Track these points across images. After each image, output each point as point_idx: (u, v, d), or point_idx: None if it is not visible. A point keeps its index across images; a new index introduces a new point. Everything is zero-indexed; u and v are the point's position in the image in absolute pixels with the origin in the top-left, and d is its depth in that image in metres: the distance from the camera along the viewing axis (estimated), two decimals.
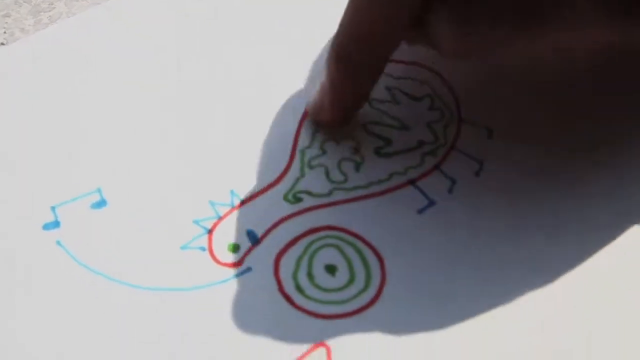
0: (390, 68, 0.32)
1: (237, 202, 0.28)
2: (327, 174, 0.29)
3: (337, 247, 0.27)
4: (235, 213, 0.28)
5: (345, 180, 0.29)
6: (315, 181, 0.29)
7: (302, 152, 0.30)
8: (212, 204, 0.28)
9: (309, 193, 0.29)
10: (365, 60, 0.28)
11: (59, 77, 0.32)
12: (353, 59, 0.27)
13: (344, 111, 0.29)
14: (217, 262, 0.27)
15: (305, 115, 0.31)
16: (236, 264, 0.27)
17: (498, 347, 0.25)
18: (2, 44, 0.33)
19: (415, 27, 0.27)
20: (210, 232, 0.27)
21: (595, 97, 0.31)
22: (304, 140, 0.30)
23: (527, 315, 0.26)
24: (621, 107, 0.31)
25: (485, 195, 0.29)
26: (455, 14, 0.25)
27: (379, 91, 0.31)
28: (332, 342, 0.25)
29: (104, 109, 0.31)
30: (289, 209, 0.28)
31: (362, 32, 0.27)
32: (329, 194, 0.29)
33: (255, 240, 0.27)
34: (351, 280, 0.27)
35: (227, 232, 0.28)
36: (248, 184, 0.29)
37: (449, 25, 0.25)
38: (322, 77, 0.29)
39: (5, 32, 0.33)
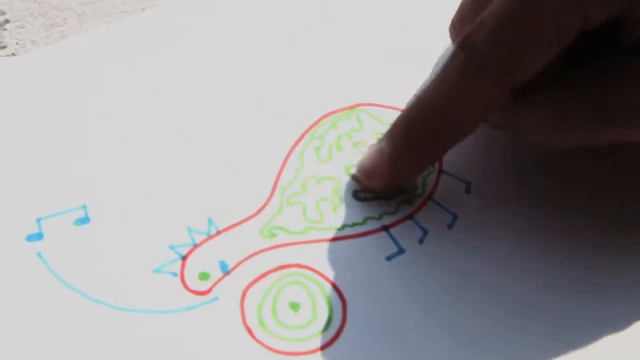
0: (380, 112, 0.33)
1: (213, 230, 0.29)
2: (304, 212, 0.30)
3: (304, 285, 0.28)
4: (210, 242, 0.29)
5: (321, 220, 0.30)
6: (292, 218, 0.30)
7: (283, 189, 0.31)
8: (190, 230, 0.29)
9: (285, 229, 0.30)
10: (437, 139, 0.28)
11: (60, 91, 0.33)
12: (424, 136, 0.28)
13: (397, 182, 0.30)
14: (187, 288, 0.28)
15: (290, 152, 0.32)
16: (204, 292, 0.28)
17: None
18: (13, 54, 0.34)
19: (501, 114, 0.28)
20: (184, 258, 0.28)
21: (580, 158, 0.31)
22: (286, 177, 0.31)
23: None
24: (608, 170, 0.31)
25: (455, 249, 0.29)
26: (550, 110, 0.26)
27: (366, 134, 0.32)
28: None
29: (98, 127, 0.32)
30: (262, 243, 0.29)
31: (444, 113, 0.27)
32: (304, 232, 0.29)
33: (225, 270, 0.28)
34: (313, 318, 0.27)
35: (200, 260, 0.29)
36: (227, 213, 0.30)
37: (541, 120, 0.26)
38: (380, 143, 0.29)
39: (17, 43, 0.35)
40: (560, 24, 0.25)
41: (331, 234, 0.29)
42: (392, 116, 0.33)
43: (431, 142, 0.28)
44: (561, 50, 0.26)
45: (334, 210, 0.30)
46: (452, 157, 0.32)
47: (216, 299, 0.28)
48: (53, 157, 0.31)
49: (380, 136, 0.32)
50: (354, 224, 0.30)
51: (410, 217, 0.30)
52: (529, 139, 0.27)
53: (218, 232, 0.29)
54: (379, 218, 0.30)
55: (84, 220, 0.29)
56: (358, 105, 0.33)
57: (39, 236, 0.29)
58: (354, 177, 0.31)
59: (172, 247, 0.29)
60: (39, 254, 0.28)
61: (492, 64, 0.26)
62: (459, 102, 0.27)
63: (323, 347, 0.27)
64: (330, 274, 0.28)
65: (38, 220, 0.29)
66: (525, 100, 0.27)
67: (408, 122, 0.28)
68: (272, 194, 0.30)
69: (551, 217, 0.30)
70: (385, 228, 0.30)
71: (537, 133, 0.27)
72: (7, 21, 0.35)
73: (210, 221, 0.29)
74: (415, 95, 0.28)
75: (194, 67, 0.34)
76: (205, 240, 0.29)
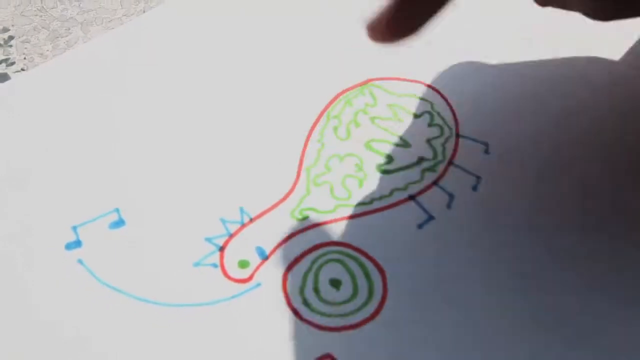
0: (392, 85, 0.33)
1: (246, 219, 0.30)
2: (331, 191, 0.30)
3: (341, 262, 0.29)
4: (245, 230, 0.29)
5: (349, 197, 0.30)
6: (320, 198, 0.30)
7: (308, 170, 0.31)
8: (223, 221, 0.30)
9: (315, 210, 0.30)
10: None
11: (77, 100, 0.33)
12: None
13: (398, 28, 0.26)
14: (229, 278, 0.28)
15: (310, 134, 0.32)
16: (246, 280, 0.28)
17: (496, 354, 0.26)
18: (23, 69, 0.34)
19: None
20: (222, 249, 0.29)
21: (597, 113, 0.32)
22: (309, 159, 0.31)
23: (524, 326, 0.27)
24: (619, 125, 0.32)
25: (483, 210, 0.30)
26: None
27: (381, 109, 0.33)
28: (338, 353, 0.27)
29: (120, 130, 0.32)
30: (295, 225, 0.30)
31: None
32: (334, 210, 0.30)
33: (264, 256, 0.29)
34: (355, 293, 0.28)
35: (238, 249, 0.29)
36: (257, 201, 0.30)
37: None
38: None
39: (25, 58, 0.35)
40: None
41: (361, 209, 0.30)
42: (404, 88, 0.33)
43: None
44: None
45: (360, 185, 0.31)
46: (467, 121, 0.32)
47: (259, 284, 0.28)
48: (80, 165, 0.31)
49: (395, 109, 0.33)
50: (382, 197, 0.30)
51: (435, 183, 0.30)
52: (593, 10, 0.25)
53: (251, 220, 0.30)
54: (405, 188, 0.30)
55: (119, 223, 0.30)
56: (369, 80, 0.34)
57: (77, 244, 0.29)
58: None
59: (208, 240, 0.29)
60: (80, 261, 0.29)
61: None
62: None
63: (368, 319, 0.27)
64: (365, 247, 0.29)
65: (74, 228, 0.29)
66: None
67: None
68: (297, 177, 0.31)
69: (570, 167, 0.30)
70: (412, 197, 0.30)
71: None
72: (11, 37, 0.36)
73: (242, 210, 0.30)
74: None
75: (204, 61, 0.35)
76: (240, 229, 0.29)
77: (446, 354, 0.26)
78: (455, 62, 0.34)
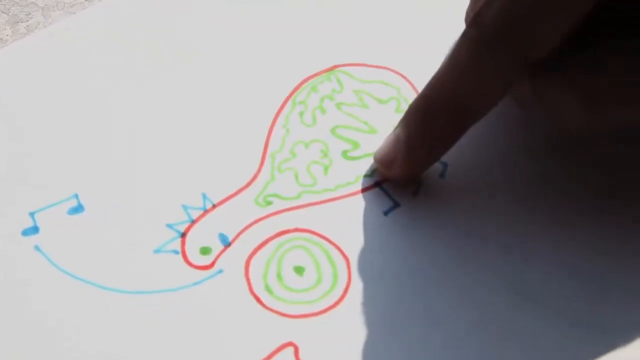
0: (359, 71, 0.33)
1: (209, 205, 0.29)
2: (296, 177, 0.30)
3: (305, 248, 0.28)
4: (207, 217, 0.29)
5: (314, 183, 0.30)
6: (285, 184, 0.30)
7: (273, 156, 0.31)
8: (185, 207, 0.29)
9: (279, 196, 0.30)
10: (453, 121, 0.27)
11: (36, 85, 0.32)
12: (440, 119, 0.27)
13: (418, 170, 0.29)
14: (190, 264, 0.28)
15: (275, 120, 0.32)
16: (208, 267, 0.28)
17: (458, 343, 0.26)
18: None
19: (523, 92, 0.27)
20: (183, 235, 0.28)
21: None
22: (274, 144, 0.31)
23: (491, 319, 0.27)
24: None
25: (449, 197, 0.30)
26: (580, 92, 0.25)
27: (347, 95, 0.32)
28: (300, 341, 0.26)
29: (79, 115, 0.32)
30: (259, 211, 0.29)
31: (458, 93, 0.26)
32: (298, 196, 0.30)
33: (226, 242, 0.28)
34: (318, 280, 0.28)
35: (200, 236, 0.28)
36: (220, 187, 0.30)
37: (572, 97, 0.25)
38: (396, 130, 0.28)
39: None
40: None
41: (326, 195, 0.30)
42: (371, 74, 0.33)
43: (447, 125, 0.27)
44: (578, 21, 0.25)
45: (325, 172, 0.30)
46: None
47: (221, 271, 0.28)
48: (39, 150, 0.31)
49: (361, 95, 0.32)
50: (347, 184, 0.30)
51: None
52: (557, 117, 0.27)
53: (214, 206, 0.29)
54: (371, 175, 0.30)
55: (78, 209, 0.29)
56: (335, 67, 0.33)
57: (34, 230, 0.28)
58: (377, 170, 0.30)
59: (170, 226, 0.29)
60: (37, 247, 0.28)
61: (505, 38, 0.25)
62: (472, 80, 0.26)
63: (332, 307, 0.27)
64: (330, 234, 0.29)
65: (31, 214, 0.29)
66: (549, 77, 0.26)
67: (421, 106, 0.27)
68: (262, 163, 0.30)
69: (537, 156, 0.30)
70: (378, 184, 0.30)
71: (567, 110, 0.26)
72: None
73: (204, 196, 0.29)
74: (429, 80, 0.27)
75: (166, 45, 0.34)
76: (202, 215, 0.29)
77: (409, 341, 0.26)
78: (422, 47, 0.34)
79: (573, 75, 0.25)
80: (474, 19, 0.26)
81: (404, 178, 0.29)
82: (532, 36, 0.25)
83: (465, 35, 0.26)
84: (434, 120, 0.27)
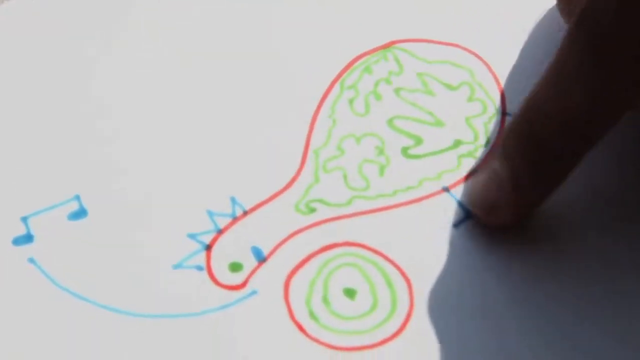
0: (422, 49, 0.34)
1: (239, 212, 0.31)
2: (345, 178, 0.32)
3: (357, 266, 0.30)
4: (237, 226, 0.31)
5: (367, 187, 0.31)
6: (331, 188, 0.31)
7: (316, 153, 0.32)
8: (211, 214, 0.31)
9: (324, 202, 0.31)
10: (566, 150, 0.28)
11: (24, 64, 0.34)
12: (552, 148, 0.28)
13: (529, 211, 0.30)
14: (217, 283, 0.29)
15: (319, 108, 0.33)
16: (239, 286, 0.29)
17: None
18: None
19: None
20: (208, 248, 0.30)
21: None
22: (318, 137, 0.33)
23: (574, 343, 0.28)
24: None
25: None
26: None
27: (408, 78, 0.34)
28: None
29: (81, 104, 0.33)
30: (300, 220, 0.31)
31: (571, 115, 0.27)
32: (348, 203, 0.31)
33: (261, 258, 0.30)
34: (374, 306, 0.29)
35: (228, 249, 0.30)
36: (252, 190, 0.31)
37: None
38: (492, 163, 0.30)
39: None
40: None
41: (382, 202, 0.31)
42: (437, 53, 0.34)
43: (558, 154, 0.28)
44: None
45: (380, 173, 0.32)
46: (516, 95, 0.33)
47: (255, 292, 0.29)
48: (32, 143, 0.32)
49: (425, 79, 0.34)
50: (408, 188, 0.31)
51: (475, 172, 0.32)
52: None
53: (245, 213, 0.31)
54: (438, 178, 0.32)
55: (80, 213, 0.31)
56: (393, 42, 0.35)
57: (27, 238, 0.30)
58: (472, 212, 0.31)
59: (192, 236, 0.30)
60: (31, 260, 0.30)
61: (624, 43, 0.25)
62: (584, 97, 0.26)
63: (390, 339, 0.28)
64: (387, 250, 0.30)
65: (24, 219, 0.31)
66: None
67: (523, 133, 0.28)
68: (303, 161, 0.32)
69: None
70: (446, 189, 0.31)
71: None
72: None
73: (233, 201, 0.31)
74: (528, 95, 0.28)
75: (193, 20, 0.35)
76: (231, 224, 0.31)
77: None
78: (501, 21, 0.35)
79: None
80: (582, 18, 0.26)
81: (511, 222, 0.30)
82: None
83: (570, 40, 0.26)
84: (542, 149, 0.28)
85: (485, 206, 0.30)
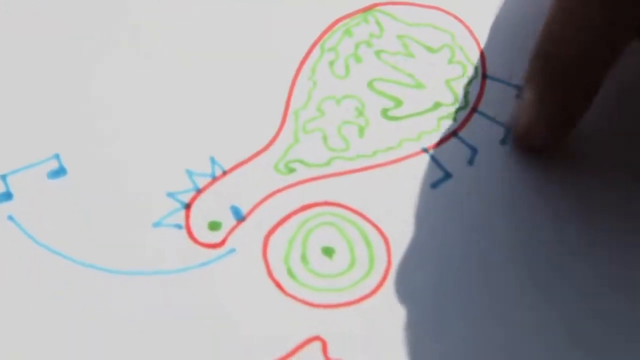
0: (403, 12, 0.35)
1: (218, 171, 0.31)
2: (325, 139, 0.32)
3: (336, 225, 0.30)
4: (216, 185, 0.31)
5: (347, 148, 0.32)
6: (311, 148, 0.32)
7: (296, 114, 0.32)
8: (190, 173, 0.31)
9: (304, 162, 0.31)
10: (583, 70, 0.29)
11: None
12: (568, 68, 0.29)
13: (559, 130, 0.31)
14: (196, 241, 0.30)
15: (299, 69, 0.33)
16: (218, 245, 0.30)
17: (512, 346, 0.28)
18: None
19: None
20: (187, 207, 0.30)
21: None
22: (298, 99, 0.33)
23: (545, 314, 0.29)
24: None
25: (512, 168, 0.31)
26: None
27: (388, 41, 0.34)
28: (328, 336, 0.28)
29: (59, 56, 0.34)
30: (280, 180, 0.31)
31: (584, 39, 0.28)
32: (327, 163, 0.31)
33: (240, 216, 0.30)
34: (352, 264, 0.29)
35: (208, 208, 0.30)
36: (232, 150, 0.32)
37: None
38: (525, 93, 0.31)
39: None
40: None
41: (361, 162, 0.31)
42: (418, 15, 0.35)
43: (578, 76, 0.29)
44: None
45: (360, 134, 0.32)
46: (497, 58, 0.33)
47: (233, 250, 0.30)
48: (10, 100, 0.32)
49: (406, 41, 0.34)
50: (388, 149, 0.32)
51: (454, 133, 0.32)
52: None
53: (224, 173, 0.31)
54: (417, 138, 0.32)
55: (59, 172, 0.31)
56: (375, 5, 0.35)
57: (7, 196, 0.30)
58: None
59: (171, 195, 0.31)
60: (10, 217, 0.30)
61: None
62: (598, 17, 0.28)
63: (367, 296, 0.29)
64: (366, 209, 0.30)
65: (3, 177, 0.31)
66: None
67: (544, 56, 0.30)
68: (283, 122, 0.32)
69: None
70: (425, 150, 0.32)
71: None
72: None
73: (213, 161, 0.31)
74: (545, 20, 0.29)
75: None
76: (210, 183, 0.31)
77: (459, 341, 0.28)
78: None
79: None
80: None
81: (547, 144, 0.31)
82: None
83: None
84: (565, 73, 0.29)
85: (522, 130, 0.31)
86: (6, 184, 0.31)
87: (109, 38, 0.34)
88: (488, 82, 0.33)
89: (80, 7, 0.35)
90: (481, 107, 0.33)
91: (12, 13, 0.35)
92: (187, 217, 0.30)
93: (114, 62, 0.34)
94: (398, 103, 0.33)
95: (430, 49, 0.34)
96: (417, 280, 0.29)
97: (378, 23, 0.34)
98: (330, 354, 0.28)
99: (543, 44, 0.29)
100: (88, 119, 0.32)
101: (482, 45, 0.34)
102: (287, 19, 0.35)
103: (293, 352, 0.28)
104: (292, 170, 0.31)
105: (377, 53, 0.34)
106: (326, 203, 0.30)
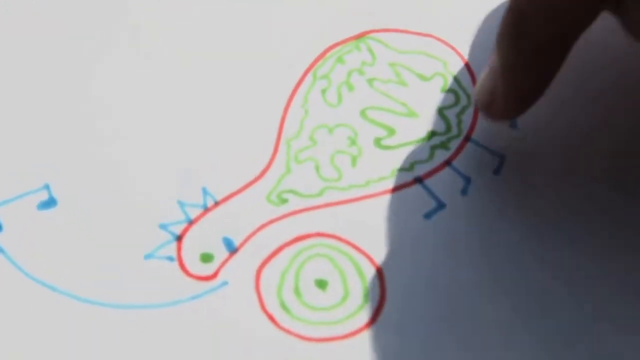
0: (395, 39, 0.35)
1: (210, 202, 0.31)
2: (317, 169, 0.32)
3: (329, 257, 0.30)
4: (208, 216, 0.31)
5: (339, 178, 0.32)
6: (303, 178, 0.32)
7: (288, 143, 0.32)
8: (182, 204, 0.31)
9: (296, 193, 0.31)
10: (548, 35, 0.28)
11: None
12: (532, 33, 0.28)
13: (521, 99, 0.30)
14: (188, 274, 0.30)
15: (291, 98, 0.33)
16: (210, 277, 0.30)
17: None
18: None
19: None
20: (179, 238, 0.30)
21: None
22: (290, 127, 0.33)
23: (547, 337, 0.29)
24: None
25: (506, 198, 0.31)
26: None
27: (380, 69, 0.34)
28: None
29: (52, 88, 0.34)
30: (272, 211, 0.31)
31: (550, 6, 0.28)
32: (320, 193, 0.31)
33: (232, 248, 0.30)
34: (345, 297, 0.29)
35: (200, 239, 0.30)
36: (223, 181, 0.32)
37: None
38: (491, 58, 0.30)
39: None
40: None
41: (354, 193, 0.31)
42: (410, 43, 0.35)
43: (540, 44, 0.28)
44: None
45: (353, 163, 0.32)
46: None
47: (225, 283, 0.29)
48: (3, 134, 0.32)
49: (398, 69, 0.34)
50: (380, 179, 0.32)
51: (447, 163, 0.32)
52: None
53: (216, 204, 0.31)
54: (410, 168, 0.32)
55: (50, 203, 0.31)
56: (366, 32, 0.35)
57: None
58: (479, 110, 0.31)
59: (163, 227, 0.30)
60: (0, 249, 0.30)
61: None
62: None
63: (361, 330, 0.29)
64: (359, 241, 0.30)
65: None
66: None
67: (511, 20, 0.29)
68: (275, 151, 0.32)
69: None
70: (418, 180, 0.32)
71: None
72: None
73: (205, 191, 0.31)
74: None
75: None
76: (202, 214, 0.31)
77: None
78: (474, 12, 0.35)
79: None
80: None
81: (508, 112, 0.30)
82: None
83: None
84: (530, 38, 0.28)
85: (484, 96, 0.30)
86: None
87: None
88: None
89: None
90: (475, 135, 0.33)
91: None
92: (179, 249, 0.30)
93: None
94: (391, 132, 0.33)
95: (422, 77, 0.34)
96: (412, 312, 0.29)
97: (370, 50, 0.34)
98: None
99: (511, 9, 0.28)
100: (79, 148, 0.32)
101: (475, 73, 0.34)
102: (279, 46, 0.35)
103: None
104: (284, 201, 0.31)
105: (370, 81, 0.34)
106: (319, 234, 0.30)
